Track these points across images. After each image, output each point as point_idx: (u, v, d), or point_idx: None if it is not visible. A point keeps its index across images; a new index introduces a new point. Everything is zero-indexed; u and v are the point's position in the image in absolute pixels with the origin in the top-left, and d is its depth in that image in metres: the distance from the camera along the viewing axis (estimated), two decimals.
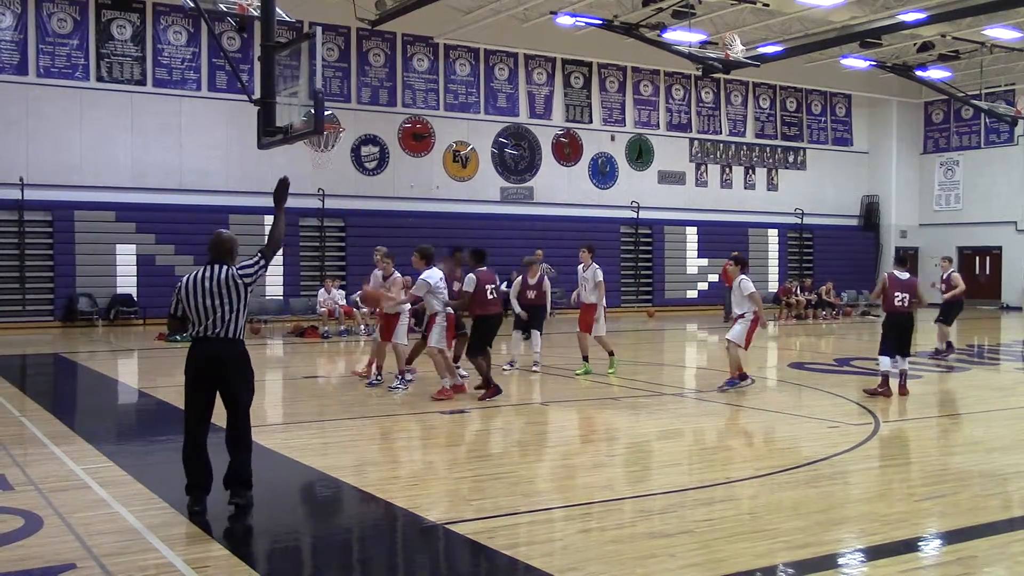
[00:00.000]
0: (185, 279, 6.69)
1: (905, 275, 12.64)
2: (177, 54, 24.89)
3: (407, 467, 7.92)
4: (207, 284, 6.58)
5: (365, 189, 27.38)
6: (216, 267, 6.67)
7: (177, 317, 6.75)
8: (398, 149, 27.97)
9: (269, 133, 13.21)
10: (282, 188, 6.99)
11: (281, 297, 25.42)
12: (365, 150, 27.48)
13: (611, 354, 14.45)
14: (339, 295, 22.68)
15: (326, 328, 21.69)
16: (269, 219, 25.09)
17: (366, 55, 27.34)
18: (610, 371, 14.30)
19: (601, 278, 14.29)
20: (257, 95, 13.36)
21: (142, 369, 16.66)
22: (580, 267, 14.55)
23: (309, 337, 21.24)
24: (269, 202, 26.06)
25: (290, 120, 13.06)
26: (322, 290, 22.83)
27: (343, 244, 27.15)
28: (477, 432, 10.04)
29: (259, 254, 6.76)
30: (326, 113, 13.67)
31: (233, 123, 24.43)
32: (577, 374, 14.21)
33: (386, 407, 11.51)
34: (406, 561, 6.05)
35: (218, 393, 6.69)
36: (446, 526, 6.28)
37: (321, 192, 26.25)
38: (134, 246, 24.31)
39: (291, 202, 27.73)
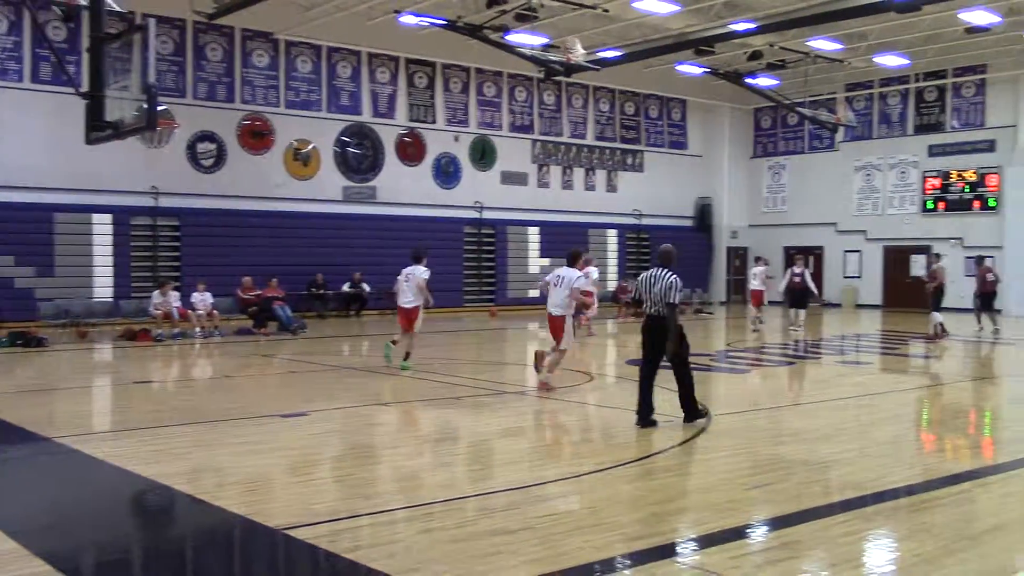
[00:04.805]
0: (643, 275, 10.20)
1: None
2: None
3: (244, 472, 7.72)
4: (655, 280, 9.91)
5: (202, 187, 26.50)
6: (661, 270, 9.95)
7: (636, 300, 10.35)
8: (236, 146, 27.21)
9: (98, 128, 12.70)
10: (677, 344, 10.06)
11: (111, 299, 24.26)
12: (201, 147, 26.60)
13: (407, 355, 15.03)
14: (175, 297, 21.83)
15: (160, 331, 20.89)
16: (97, 217, 24.42)
17: (203, 49, 26.49)
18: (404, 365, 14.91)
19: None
20: (85, 88, 12.81)
21: None
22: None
23: (141, 340, 20.43)
24: (97, 200, 24.96)
25: (121, 115, 12.58)
26: (156, 292, 21.92)
27: (178, 244, 26.20)
28: (316, 436, 9.88)
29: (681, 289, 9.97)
30: (159, 108, 13.16)
31: (59, 117, 23.19)
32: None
33: (222, 412, 11.19)
34: (243, 569, 5.90)
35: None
36: (285, 531, 6.16)
37: (154, 190, 25.28)
38: None
39: (121, 200, 26.27)
